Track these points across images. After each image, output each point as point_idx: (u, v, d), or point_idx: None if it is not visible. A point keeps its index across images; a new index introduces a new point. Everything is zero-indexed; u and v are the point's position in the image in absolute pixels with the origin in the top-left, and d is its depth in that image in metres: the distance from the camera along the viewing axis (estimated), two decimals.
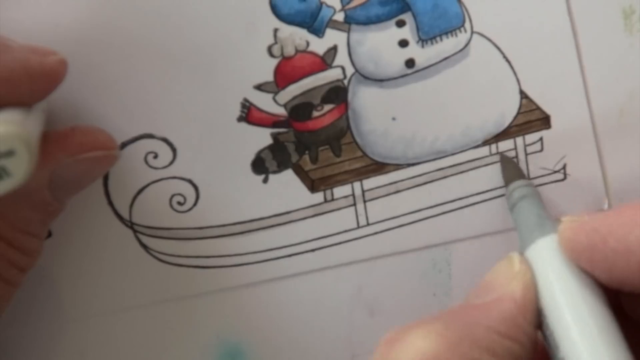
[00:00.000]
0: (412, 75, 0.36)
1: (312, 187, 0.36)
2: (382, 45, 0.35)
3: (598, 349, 0.27)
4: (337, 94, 0.36)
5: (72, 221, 0.35)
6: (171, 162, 0.35)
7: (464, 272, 0.37)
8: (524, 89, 0.36)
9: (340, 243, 0.37)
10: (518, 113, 0.36)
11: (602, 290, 0.28)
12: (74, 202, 0.34)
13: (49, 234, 0.35)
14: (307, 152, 0.36)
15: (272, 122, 0.35)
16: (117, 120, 0.34)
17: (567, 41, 0.36)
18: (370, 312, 0.37)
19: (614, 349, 0.27)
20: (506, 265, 0.30)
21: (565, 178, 0.37)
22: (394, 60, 0.36)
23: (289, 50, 0.35)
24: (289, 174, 0.36)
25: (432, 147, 0.36)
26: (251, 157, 0.36)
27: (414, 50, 0.36)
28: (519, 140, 0.36)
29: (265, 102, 0.35)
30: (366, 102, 0.36)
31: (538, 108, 0.36)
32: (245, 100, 0.35)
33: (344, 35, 0.35)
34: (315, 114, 0.36)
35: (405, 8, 0.35)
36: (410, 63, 0.36)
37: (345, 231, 0.36)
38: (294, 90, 0.35)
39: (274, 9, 0.35)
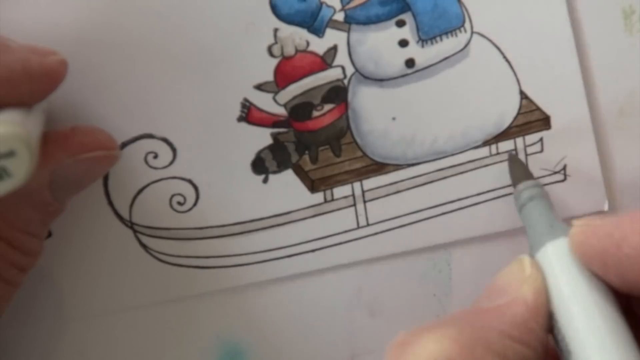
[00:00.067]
0: (412, 75, 0.36)
1: (312, 187, 0.36)
2: (382, 45, 0.35)
3: (610, 353, 0.27)
4: (337, 93, 0.36)
5: (72, 221, 0.35)
6: (171, 162, 0.35)
7: (464, 272, 0.37)
8: (524, 89, 0.36)
9: (340, 243, 0.37)
10: (518, 113, 0.36)
11: (614, 294, 0.28)
12: (74, 202, 0.34)
13: (49, 234, 0.35)
14: (307, 152, 0.36)
15: (272, 122, 0.35)
16: (117, 120, 0.34)
17: (567, 41, 0.36)
18: (370, 312, 0.37)
19: (625, 353, 0.27)
20: (517, 269, 0.30)
21: (565, 179, 0.37)
22: (394, 60, 0.36)
23: (289, 50, 0.35)
24: (289, 174, 0.36)
25: (432, 148, 0.36)
26: (251, 157, 0.36)
27: (414, 50, 0.36)
28: (519, 140, 0.36)
29: (265, 102, 0.35)
30: (366, 102, 0.36)
31: (538, 108, 0.36)
32: (245, 100, 0.35)
33: (344, 35, 0.35)
34: (315, 113, 0.36)
35: (405, 8, 0.35)
36: (410, 63, 0.36)
37: (345, 231, 0.36)
38: (294, 90, 0.35)
39: (274, 9, 0.35)
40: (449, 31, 0.35)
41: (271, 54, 0.35)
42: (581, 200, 0.37)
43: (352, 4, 0.35)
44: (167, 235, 0.36)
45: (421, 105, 0.36)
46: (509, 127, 0.36)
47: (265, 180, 0.36)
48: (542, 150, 0.37)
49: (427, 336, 0.27)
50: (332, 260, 0.37)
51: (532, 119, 0.36)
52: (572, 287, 0.28)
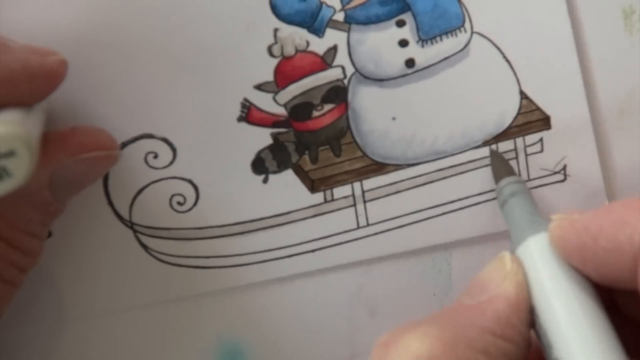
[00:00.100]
0: (412, 75, 0.36)
1: (312, 187, 0.36)
2: (382, 45, 0.35)
3: (591, 346, 0.27)
4: (337, 93, 0.36)
5: (72, 221, 0.35)
6: (171, 162, 0.35)
7: (464, 272, 0.37)
8: (524, 89, 0.36)
9: (340, 243, 0.37)
10: (518, 113, 0.36)
11: (594, 287, 0.28)
12: (74, 202, 0.34)
13: (49, 234, 0.35)
14: (307, 152, 0.36)
15: (272, 122, 0.35)
16: (117, 120, 0.34)
17: (567, 41, 0.36)
18: (370, 312, 0.37)
19: (606, 346, 0.27)
20: (498, 265, 0.30)
21: (565, 179, 0.37)
22: (394, 60, 0.36)
23: (289, 50, 0.35)
24: (289, 174, 0.36)
25: (432, 148, 0.36)
26: (251, 157, 0.36)
27: (414, 50, 0.36)
28: (519, 140, 0.36)
29: (265, 102, 0.35)
30: (366, 102, 0.36)
31: (538, 108, 0.36)
32: (245, 100, 0.35)
33: (344, 35, 0.35)
34: (315, 113, 0.36)
35: (405, 8, 0.35)
36: (410, 63, 0.36)
37: (345, 232, 0.36)
38: (294, 90, 0.35)
39: (274, 9, 0.35)
40: (449, 31, 0.35)
41: (271, 54, 0.35)
42: (581, 200, 0.37)
43: (352, 4, 0.35)
44: (167, 235, 0.36)
45: (421, 105, 0.36)
46: (509, 127, 0.36)
47: (265, 180, 0.36)
48: (542, 150, 0.37)
49: (409, 335, 0.27)
50: (332, 260, 0.37)
51: (532, 119, 0.36)
52: (553, 281, 0.28)
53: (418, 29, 0.35)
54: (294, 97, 0.35)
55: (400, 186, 0.36)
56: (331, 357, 0.37)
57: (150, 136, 0.35)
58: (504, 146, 0.36)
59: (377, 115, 0.36)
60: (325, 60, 0.35)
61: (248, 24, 0.34)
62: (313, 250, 0.36)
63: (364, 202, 0.36)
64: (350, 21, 0.35)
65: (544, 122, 0.36)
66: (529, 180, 0.37)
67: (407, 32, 0.35)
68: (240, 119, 0.35)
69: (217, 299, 0.37)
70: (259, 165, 0.36)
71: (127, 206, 0.35)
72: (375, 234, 0.37)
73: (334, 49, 0.35)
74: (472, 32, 0.36)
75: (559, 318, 0.27)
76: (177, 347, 0.37)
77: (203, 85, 0.35)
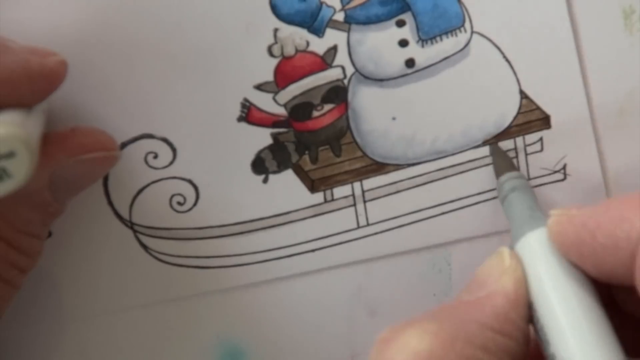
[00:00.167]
0: (412, 75, 0.36)
1: (312, 187, 0.36)
2: (382, 45, 0.35)
3: (588, 342, 0.27)
4: (337, 93, 0.36)
5: (72, 221, 0.35)
6: (171, 162, 0.35)
7: (464, 272, 0.37)
8: (524, 89, 0.36)
9: (340, 243, 0.37)
10: (518, 113, 0.36)
11: (593, 283, 0.28)
12: (74, 202, 0.34)
13: (49, 234, 0.35)
14: (307, 152, 0.36)
15: (272, 122, 0.35)
16: (117, 120, 0.34)
17: (567, 41, 0.36)
18: (370, 312, 0.37)
19: (603, 342, 0.27)
20: (496, 260, 0.30)
21: (565, 178, 0.37)
22: (394, 60, 0.36)
23: (289, 50, 0.35)
24: (289, 174, 0.36)
25: (432, 147, 0.36)
26: (251, 157, 0.36)
27: (414, 50, 0.35)
28: (519, 140, 0.36)
29: (265, 102, 0.35)
30: (366, 102, 0.36)
31: (538, 108, 0.36)
32: (245, 100, 0.35)
33: (344, 35, 0.35)
34: (315, 113, 0.36)
35: (405, 8, 0.35)
36: (410, 63, 0.36)
37: (345, 231, 0.36)
38: (294, 90, 0.35)
39: (274, 9, 0.34)
40: (449, 31, 0.35)
41: (271, 54, 0.35)
42: (581, 199, 0.37)
43: (352, 4, 0.35)
44: (167, 235, 0.36)
45: (421, 105, 0.36)
46: (509, 127, 0.36)
47: (265, 180, 0.36)
48: (542, 150, 0.37)
49: (409, 332, 0.27)
50: (332, 260, 0.37)
51: (532, 119, 0.36)
52: (551, 276, 0.28)
53: (418, 29, 0.35)
54: (294, 97, 0.35)
55: (400, 186, 0.36)
56: (331, 357, 0.38)
57: (150, 136, 0.35)
58: (504, 145, 0.37)
59: (377, 115, 0.36)
60: (325, 60, 0.35)
61: (248, 24, 0.34)
62: (313, 250, 0.36)
63: (364, 202, 0.36)
64: (350, 21, 0.35)
65: (544, 121, 0.36)
66: (529, 179, 0.37)
67: (407, 32, 0.35)
68: (240, 119, 0.35)
69: (217, 299, 0.37)
70: (259, 165, 0.36)
71: (127, 206, 0.35)
72: (375, 233, 0.37)
73: (334, 49, 0.35)
74: (472, 32, 0.36)
75: (557, 313, 0.27)
76: (177, 347, 0.37)
77: (203, 85, 0.35)
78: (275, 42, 0.35)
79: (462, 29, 0.35)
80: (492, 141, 0.36)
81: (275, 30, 0.35)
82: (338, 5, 0.35)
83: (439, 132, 0.36)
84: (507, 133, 0.36)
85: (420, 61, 0.36)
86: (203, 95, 0.35)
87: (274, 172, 0.36)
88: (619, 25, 0.36)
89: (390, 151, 0.36)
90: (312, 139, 0.36)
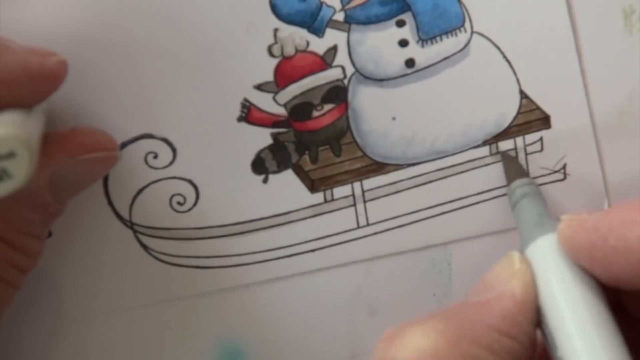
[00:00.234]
0: (412, 75, 0.36)
1: (312, 187, 0.36)
2: (382, 45, 0.35)
3: (596, 348, 0.27)
4: (337, 93, 0.36)
5: (72, 221, 0.35)
6: (171, 162, 0.35)
7: (464, 272, 0.37)
8: (524, 89, 0.36)
9: (340, 243, 0.37)
10: (518, 113, 0.36)
11: (602, 288, 0.28)
12: (74, 203, 0.34)
13: (49, 234, 0.35)
14: (307, 152, 0.36)
15: (272, 122, 0.35)
16: (117, 120, 0.34)
17: (567, 41, 0.36)
18: (370, 312, 0.37)
19: (611, 348, 0.27)
20: (506, 264, 0.30)
21: (565, 178, 0.37)
22: (394, 60, 0.36)
23: (289, 50, 0.35)
24: (289, 174, 0.36)
25: (432, 147, 0.36)
26: (251, 157, 0.36)
27: (414, 50, 0.35)
28: (519, 140, 0.36)
29: (265, 102, 0.35)
30: (366, 102, 0.36)
31: (538, 108, 0.36)
32: (245, 100, 0.35)
33: (344, 35, 0.35)
34: (315, 113, 0.36)
35: (405, 8, 0.35)
36: (410, 63, 0.36)
37: (345, 231, 0.36)
38: (294, 90, 0.35)
39: (274, 8, 0.34)
40: (449, 31, 0.35)
41: (271, 54, 0.35)
42: (581, 199, 0.37)
43: (352, 4, 0.35)
44: (167, 235, 0.36)
45: (421, 105, 0.36)
46: (509, 127, 0.36)
47: (265, 180, 0.36)
48: (542, 150, 0.37)
49: (414, 329, 0.27)
50: (332, 260, 0.37)
51: (532, 119, 0.36)
52: (560, 281, 0.29)
53: (418, 29, 0.35)
54: (294, 97, 0.35)
55: (400, 186, 0.36)
56: (331, 357, 0.38)
57: (150, 136, 0.35)
58: (504, 145, 0.37)
59: (377, 115, 0.36)
60: (325, 60, 0.35)
61: (248, 24, 0.34)
62: (313, 250, 0.36)
63: (364, 202, 0.36)
64: (350, 21, 0.35)
65: (544, 121, 0.36)
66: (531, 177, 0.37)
67: (407, 32, 0.35)
68: (240, 119, 0.35)
69: (217, 299, 0.37)
70: (259, 165, 0.36)
71: (127, 206, 0.35)
72: (375, 233, 0.37)
73: (334, 49, 0.35)
74: (472, 32, 0.36)
75: (565, 318, 0.27)
76: (177, 347, 0.37)
77: (203, 85, 0.35)
78: (275, 42, 0.35)
79: (462, 29, 0.35)
80: (492, 141, 0.36)
81: (275, 30, 0.35)
82: (338, 5, 0.35)
83: (439, 132, 0.36)
84: (507, 133, 0.36)
85: (420, 61, 0.36)
86: (203, 95, 0.35)
87: (274, 172, 0.36)
88: (619, 26, 0.36)
89: (390, 151, 0.36)
90: (312, 139, 0.36)
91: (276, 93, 0.35)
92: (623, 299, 0.30)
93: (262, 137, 0.35)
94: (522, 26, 0.36)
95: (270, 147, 0.36)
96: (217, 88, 0.35)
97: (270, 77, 0.35)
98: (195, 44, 0.34)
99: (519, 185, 0.35)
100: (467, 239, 0.37)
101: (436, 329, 0.27)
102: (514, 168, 0.36)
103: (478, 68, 0.36)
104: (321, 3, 0.35)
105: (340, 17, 0.35)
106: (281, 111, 0.35)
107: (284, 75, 0.35)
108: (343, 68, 0.35)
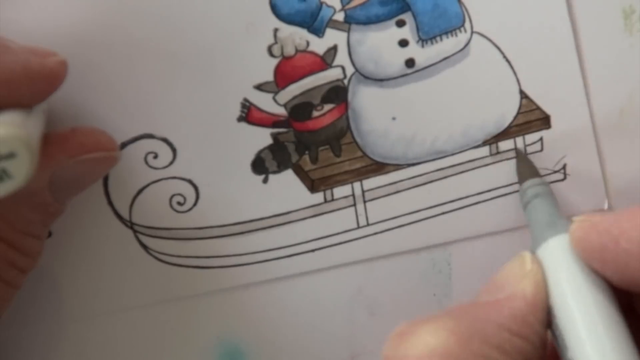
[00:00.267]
0: (412, 75, 0.36)
1: (312, 187, 0.36)
2: (382, 44, 0.35)
3: (606, 349, 0.27)
4: (337, 93, 0.36)
5: (72, 221, 0.35)
6: (171, 162, 0.35)
7: (464, 272, 0.37)
8: (524, 89, 0.36)
9: (340, 243, 0.37)
10: (518, 113, 0.36)
11: (613, 290, 0.28)
12: (74, 203, 0.34)
13: (49, 234, 0.35)
14: (307, 152, 0.36)
15: (272, 122, 0.35)
16: (117, 120, 0.34)
17: (567, 41, 0.36)
18: (370, 312, 0.37)
19: (621, 349, 0.27)
20: (518, 264, 0.30)
21: (565, 178, 0.37)
22: (394, 60, 0.36)
23: (289, 50, 0.35)
24: (289, 174, 0.36)
25: (432, 147, 0.36)
26: (251, 157, 0.36)
27: (414, 50, 0.35)
28: (519, 140, 0.36)
29: (265, 102, 0.35)
30: (366, 101, 0.36)
31: (538, 108, 0.36)
32: (245, 100, 0.35)
33: (344, 35, 0.35)
34: (315, 113, 0.36)
35: (405, 8, 0.35)
36: (410, 63, 0.36)
37: (345, 231, 0.36)
38: (294, 90, 0.35)
39: (274, 8, 0.34)
40: (449, 31, 0.35)
41: (271, 54, 0.35)
42: (581, 199, 0.37)
43: (352, 4, 0.35)
44: (167, 235, 0.36)
45: (421, 105, 0.36)
46: (509, 127, 0.36)
47: (265, 180, 0.36)
48: (542, 150, 0.37)
49: (425, 327, 0.27)
50: (332, 260, 0.37)
51: (532, 119, 0.36)
52: (571, 282, 0.29)
53: (418, 29, 0.35)
54: (294, 97, 0.35)
55: (400, 186, 0.36)
56: (331, 357, 0.38)
57: (150, 136, 0.35)
58: (504, 145, 0.37)
59: (377, 115, 0.36)
60: (325, 60, 0.35)
61: (248, 24, 0.34)
62: (313, 250, 0.36)
63: (364, 202, 0.36)
64: (350, 21, 0.35)
65: (544, 121, 0.36)
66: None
67: (407, 32, 0.35)
68: (240, 119, 0.35)
69: (217, 299, 0.37)
70: (259, 165, 0.36)
71: (127, 206, 0.35)
72: (375, 233, 0.37)
73: (334, 49, 0.35)
74: (472, 32, 0.36)
75: (576, 319, 0.28)
76: (177, 347, 0.37)
77: (203, 85, 0.35)
78: (275, 42, 0.35)
79: (462, 29, 0.35)
80: (492, 141, 0.36)
81: (275, 30, 0.35)
82: (338, 5, 0.35)
83: (439, 132, 0.36)
84: (507, 133, 0.36)
85: (420, 61, 0.36)
86: (203, 95, 0.35)
87: (274, 172, 0.36)
88: (619, 26, 0.36)
89: (390, 151, 0.36)
90: (312, 139, 0.36)
91: (276, 93, 0.35)
92: (634, 301, 0.30)
93: (262, 137, 0.35)
94: (522, 26, 0.36)
95: (270, 147, 0.36)
96: (217, 88, 0.35)
97: (270, 77, 0.35)
98: (195, 44, 0.34)
99: (531, 185, 0.35)
100: (467, 239, 0.37)
101: (447, 327, 0.27)
102: (527, 167, 0.36)
103: (478, 68, 0.36)
104: (321, 3, 0.35)
105: (340, 17, 0.35)
106: (281, 111, 0.35)
107: (284, 75, 0.35)
108: (343, 68, 0.35)
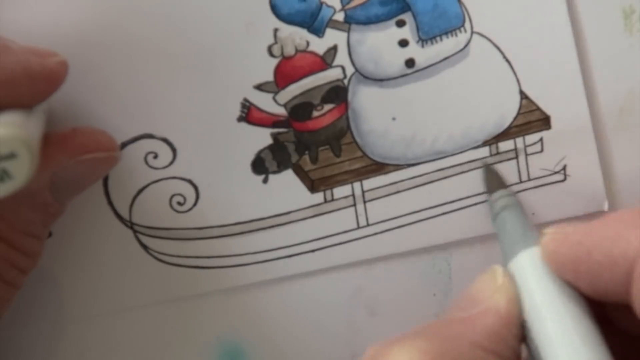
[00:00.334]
0: (412, 75, 0.36)
1: (312, 187, 0.36)
2: (382, 45, 0.35)
3: None
4: (337, 93, 0.36)
5: (72, 221, 0.35)
6: (171, 162, 0.35)
7: (464, 272, 0.37)
8: (524, 89, 0.36)
9: (340, 243, 0.37)
10: (518, 113, 0.36)
11: (586, 301, 0.28)
12: (74, 203, 0.34)
13: (49, 234, 0.35)
14: (307, 152, 0.36)
15: (272, 122, 0.35)
16: (117, 120, 0.34)
17: (567, 41, 0.36)
18: (370, 312, 0.37)
19: None
20: (489, 278, 0.30)
21: (565, 179, 0.37)
22: (394, 60, 0.36)
23: (289, 50, 0.35)
24: (289, 174, 0.36)
25: (432, 148, 0.36)
26: (251, 157, 0.36)
27: (414, 50, 0.35)
28: (519, 140, 0.36)
29: (265, 102, 0.35)
30: (366, 102, 0.36)
31: (538, 108, 0.36)
32: (245, 100, 0.35)
33: (344, 35, 0.35)
34: (315, 113, 0.36)
35: (405, 8, 0.35)
36: (410, 63, 0.36)
37: (345, 232, 0.36)
38: (294, 90, 0.35)
39: (274, 8, 0.34)
40: (449, 31, 0.35)
41: (271, 54, 0.35)
42: (581, 200, 0.37)
43: (352, 4, 0.35)
44: (167, 235, 0.36)
45: (421, 105, 0.36)
46: (509, 127, 0.36)
47: (265, 180, 0.36)
48: (542, 150, 0.37)
49: (397, 348, 0.27)
50: (332, 260, 0.37)
51: (532, 119, 0.36)
52: (544, 295, 0.28)
53: (418, 29, 0.35)
54: (294, 97, 0.35)
55: (400, 186, 0.36)
56: (331, 357, 0.38)
57: (150, 136, 0.35)
58: (504, 146, 0.36)
59: (377, 115, 0.36)
60: (325, 60, 0.35)
61: (248, 24, 0.34)
62: (313, 250, 0.36)
63: (364, 202, 0.36)
64: (350, 21, 0.35)
65: (544, 122, 0.36)
66: (529, 180, 0.37)
67: (407, 32, 0.35)
68: (240, 119, 0.35)
69: (217, 299, 0.37)
70: (259, 165, 0.36)
71: (127, 206, 0.35)
72: (375, 234, 0.37)
73: (334, 49, 0.35)
74: (472, 32, 0.36)
75: (550, 332, 0.27)
76: (177, 347, 0.37)
77: (203, 85, 0.35)
78: (275, 42, 0.35)
79: (462, 29, 0.35)
80: (492, 141, 0.36)
81: (275, 30, 0.35)
82: (338, 5, 0.35)
83: (438, 133, 0.36)
84: (507, 133, 0.36)
85: (420, 61, 0.36)
86: (203, 95, 0.35)
87: (274, 172, 0.36)
88: (619, 26, 0.36)
89: (390, 151, 0.36)
90: (312, 139, 0.36)
91: (276, 93, 0.35)
92: (608, 311, 0.30)
93: (262, 137, 0.35)
94: (522, 26, 0.36)
95: (270, 147, 0.36)
96: (217, 88, 0.35)
97: (270, 77, 0.35)
98: (195, 44, 0.34)
99: (500, 197, 0.35)
100: (467, 240, 0.37)
101: (420, 347, 0.26)
102: (495, 179, 0.36)
103: (478, 68, 0.36)
104: (321, 3, 0.35)
105: (340, 17, 0.35)
106: (281, 111, 0.35)
107: (284, 75, 0.35)
108: (343, 68, 0.35)
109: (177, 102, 0.35)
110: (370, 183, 0.36)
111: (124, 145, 0.35)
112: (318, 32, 0.35)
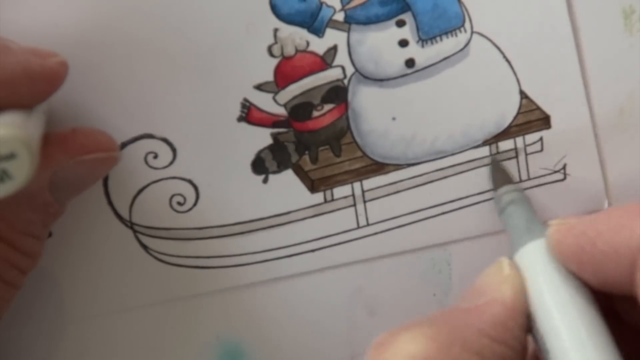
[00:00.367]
0: (412, 75, 0.36)
1: (312, 187, 0.36)
2: (382, 45, 0.35)
3: (587, 352, 0.27)
4: (337, 93, 0.36)
5: (72, 221, 0.35)
6: (171, 162, 0.35)
7: (464, 272, 0.37)
8: (524, 89, 0.36)
9: (340, 243, 0.37)
10: (518, 113, 0.36)
11: (592, 293, 0.28)
12: (74, 203, 0.34)
13: (49, 235, 0.35)
14: (307, 152, 0.36)
15: (272, 122, 0.35)
16: (117, 120, 0.34)
17: (567, 41, 0.36)
18: (370, 312, 0.37)
19: (603, 352, 0.27)
20: (496, 270, 0.30)
21: (565, 178, 0.37)
22: (394, 60, 0.36)
23: (289, 50, 0.35)
24: (289, 174, 0.36)
25: (432, 147, 0.36)
26: (251, 157, 0.36)
27: (414, 50, 0.35)
28: (519, 140, 0.36)
29: (265, 102, 0.35)
30: (366, 102, 0.36)
31: (538, 108, 0.36)
32: (245, 100, 0.35)
33: (344, 35, 0.35)
34: (315, 113, 0.36)
35: (405, 8, 0.35)
36: (410, 63, 0.36)
37: (345, 231, 0.36)
38: (294, 90, 0.35)
39: (274, 8, 0.34)
40: (449, 31, 0.35)
41: (271, 54, 0.35)
42: (581, 199, 0.37)
43: (352, 4, 0.35)
44: (167, 235, 0.36)
45: (421, 105, 0.36)
46: (509, 127, 0.36)
47: (265, 180, 0.36)
48: (542, 150, 0.37)
49: (404, 336, 0.27)
50: (332, 260, 0.37)
51: (532, 119, 0.36)
52: (550, 286, 0.29)
53: (418, 29, 0.35)
54: (294, 97, 0.35)
55: (400, 186, 0.37)
56: (331, 357, 0.38)
57: (150, 136, 0.35)
58: (504, 145, 0.37)
59: (377, 115, 0.36)
60: (325, 60, 0.35)
61: (248, 24, 0.34)
62: (313, 250, 0.36)
63: (364, 202, 0.36)
64: (350, 21, 0.35)
65: (544, 121, 0.36)
66: (529, 179, 0.37)
67: (407, 32, 0.35)
68: (240, 119, 0.35)
69: (217, 299, 0.37)
70: (259, 165, 0.36)
71: (127, 206, 0.35)
72: (375, 233, 0.37)
73: (334, 49, 0.35)
74: (472, 32, 0.36)
75: (556, 323, 0.27)
76: (177, 347, 0.37)
77: (203, 85, 0.35)
78: (275, 42, 0.35)
79: (462, 29, 0.35)
80: (492, 141, 0.36)
81: (275, 30, 0.35)
82: (338, 5, 0.35)
83: (438, 132, 0.36)
84: (507, 133, 0.36)
85: (420, 61, 0.36)
86: (203, 95, 0.35)
87: (274, 172, 0.36)
88: (619, 26, 0.36)
89: (390, 151, 0.36)
90: (312, 139, 0.36)
91: (276, 93, 0.35)
92: (615, 303, 0.30)
93: (262, 137, 0.35)
94: (522, 26, 0.36)
95: (270, 147, 0.36)
96: (217, 88, 0.35)
97: (270, 77, 0.35)
98: (195, 44, 0.34)
99: (506, 192, 0.35)
100: (467, 239, 0.37)
101: (427, 334, 0.27)
102: (501, 174, 0.36)
103: (478, 68, 0.36)
104: (321, 3, 0.35)
105: (340, 17, 0.35)
106: (281, 111, 0.35)
107: (284, 75, 0.35)
108: (343, 68, 0.35)
109: (177, 102, 0.35)
110: (370, 183, 0.36)
111: (124, 145, 0.35)
112: (318, 32, 0.35)
